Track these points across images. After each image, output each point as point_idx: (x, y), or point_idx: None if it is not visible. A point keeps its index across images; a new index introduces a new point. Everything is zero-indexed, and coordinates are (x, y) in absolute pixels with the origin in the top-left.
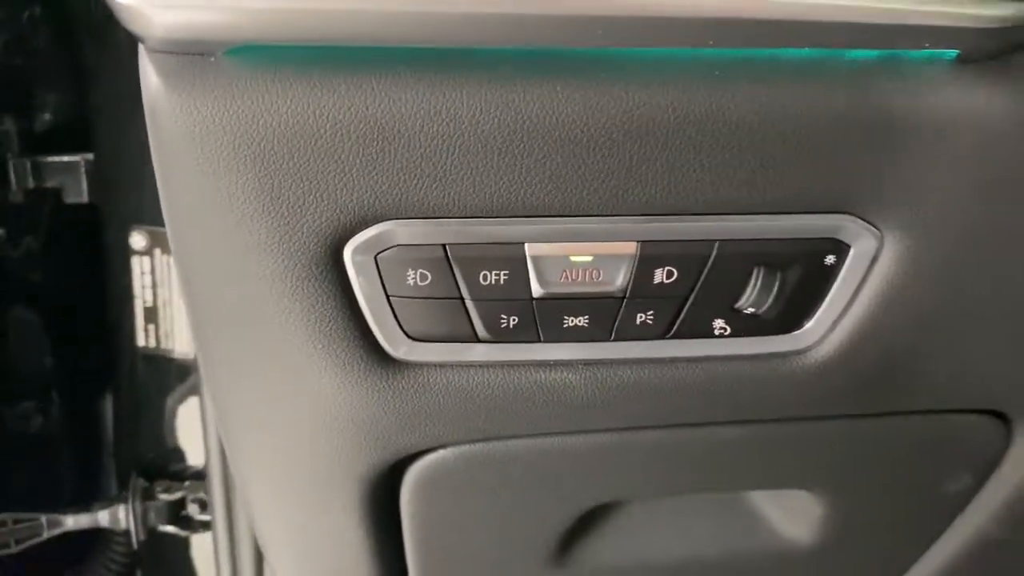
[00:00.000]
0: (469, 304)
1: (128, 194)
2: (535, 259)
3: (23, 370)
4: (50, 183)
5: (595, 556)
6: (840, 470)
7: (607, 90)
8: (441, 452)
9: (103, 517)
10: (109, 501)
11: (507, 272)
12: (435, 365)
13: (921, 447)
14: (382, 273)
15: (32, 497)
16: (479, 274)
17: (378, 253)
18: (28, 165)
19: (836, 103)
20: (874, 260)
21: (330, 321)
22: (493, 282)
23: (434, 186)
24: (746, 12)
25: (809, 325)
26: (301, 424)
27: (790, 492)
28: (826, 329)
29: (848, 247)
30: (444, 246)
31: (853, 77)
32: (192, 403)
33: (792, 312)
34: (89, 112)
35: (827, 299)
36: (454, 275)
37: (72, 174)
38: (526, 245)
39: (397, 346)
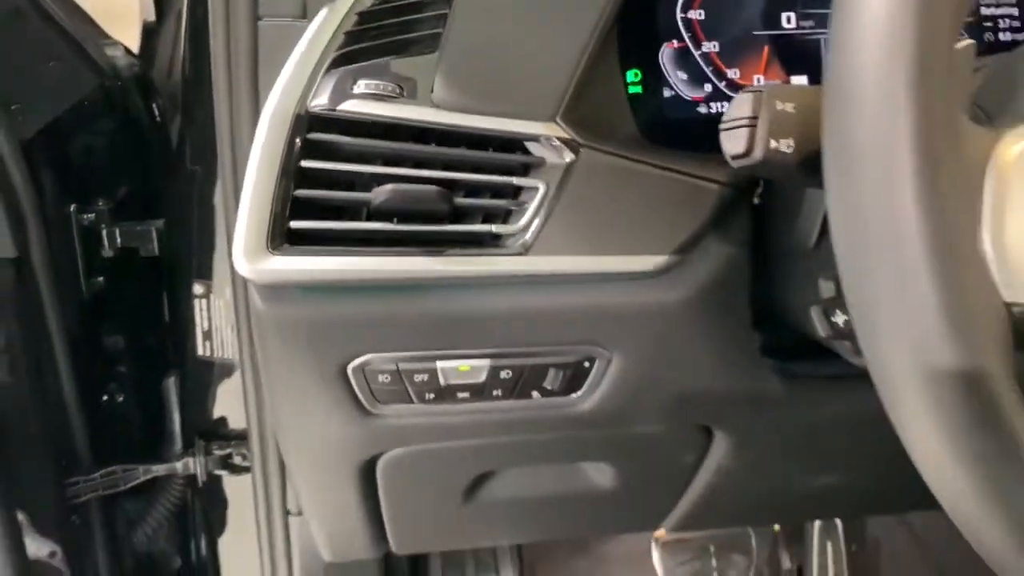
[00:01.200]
0: (409, 389)
1: (187, 251)
2: (442, 369)
3: (114, 367)
4: (130, 244)
5: (487, 496)
6: (616, 453)
7: (468, 295)
8: (397, 450)
9: (179, 466)
10: (181, 455)
11: (427, 375)
12: (392, 415)
13: (664, 442)
14: (367, 377)
15: (121, 451)
16: (413, 376)
17: (364, 368)
18: (116, 232)
19: (572, 300)
20: (609, 363)
21: (340, 397)
22: (421, 380)
23: (392, 341)
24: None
25: (579, 392)
26: (322, 437)
27: (595, 463)
28: (589, 393)
29: (595, 359)
30: (397, 365)
31: (573, 287)
32: (230, 389)
33: (571, 386)
34: (157, 190)
35: (587, 381)
36: (402, 378)
37: (146, 236)
38: (437, 362)
39: (374, 407)
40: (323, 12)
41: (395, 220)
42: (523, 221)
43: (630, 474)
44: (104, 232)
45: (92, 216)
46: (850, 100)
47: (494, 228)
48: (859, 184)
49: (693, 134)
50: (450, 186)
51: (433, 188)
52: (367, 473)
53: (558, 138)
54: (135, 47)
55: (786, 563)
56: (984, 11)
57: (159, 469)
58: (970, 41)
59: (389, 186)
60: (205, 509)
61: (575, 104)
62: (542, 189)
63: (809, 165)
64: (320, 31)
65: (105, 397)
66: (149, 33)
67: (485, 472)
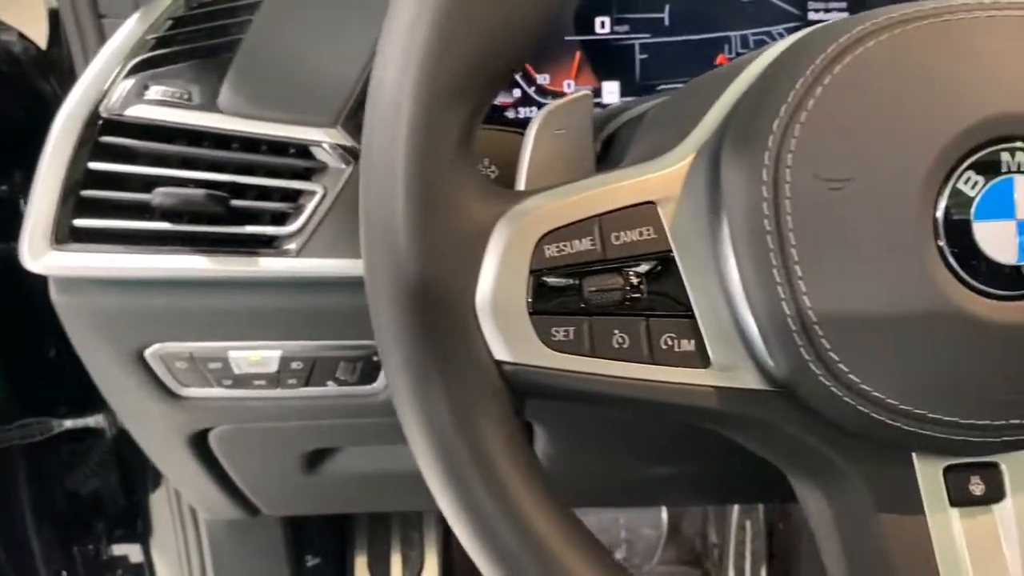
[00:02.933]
0: (208, 375)
1: None
2: (234, 359)
3: (46, 326)
4: None
5: (329, 469)
6: None
7: (249, 293)
8: (220, 428)
9: (91, 420)
10: (96, 410)
11: (221, 364)
12: (200, 396)
13: None
14: (166, 363)
15: (58, 403)
16: (208, 364)
17: (160, 354)
18: None
19: (348, 301)
20: None
21: (144, 379)
22: (215, 368)
23: (182, 331)
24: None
25: (376, 383)
26: (141, 414)
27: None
28: (383, 387)
29: None
30: (191, 352)
31: (349, 288)
32: None
33: (366, 377)
34: None
35: (381, 373)
36: (198, 365)
37: None
38: (229, 351)
39: (178, 390)
40: (134, 16)
41: (185, 220)
42: (297, 224)
43: None
44: (22, 202)
45: (5, 188)
46: (369, 155)
47: (268, 230)
48: (371, 233)
49: None
50: (239, 188)
51: (203, 191)
52: (200, 445)
53: (339, 144)
54: (42, 31)
55: (713, 538)
56: (812, 15)
57: (70, 423)
58: (584, 93)
59: (163, 189)
60: (132, 461)
61: (361, 110)
62: (319, 194)
63: None
64: (126, 35)
65: (44, 353)
66: (55, 17)
67: (319, 448)
